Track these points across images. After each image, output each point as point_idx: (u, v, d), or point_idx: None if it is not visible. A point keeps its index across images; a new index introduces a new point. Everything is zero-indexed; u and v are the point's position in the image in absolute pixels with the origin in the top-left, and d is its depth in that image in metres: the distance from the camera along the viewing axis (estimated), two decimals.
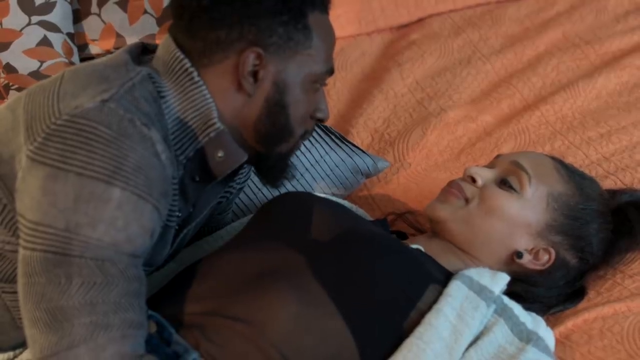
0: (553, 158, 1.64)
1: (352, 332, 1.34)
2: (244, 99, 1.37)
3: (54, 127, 1.25)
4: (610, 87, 2.15)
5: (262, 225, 1.55)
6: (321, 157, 1.89)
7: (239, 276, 1.41)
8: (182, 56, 1.35)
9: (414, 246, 1.52)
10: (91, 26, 2.14)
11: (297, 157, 1.85)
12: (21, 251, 1.25)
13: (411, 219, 1.79)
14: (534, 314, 1.47)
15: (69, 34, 2.08)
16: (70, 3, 2.09)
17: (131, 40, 2.13)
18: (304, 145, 1.87)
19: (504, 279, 1.46)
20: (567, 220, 1.55)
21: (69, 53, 2.06)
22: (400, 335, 1.38)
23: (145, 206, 1.25)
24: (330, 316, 1.34)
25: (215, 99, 1.36)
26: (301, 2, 1.36)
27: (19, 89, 2.03)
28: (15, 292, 1.33)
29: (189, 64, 1.35)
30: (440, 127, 2.05)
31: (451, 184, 1.59)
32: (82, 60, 2.11)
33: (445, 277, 1.46)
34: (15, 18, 2.01)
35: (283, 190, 1.74)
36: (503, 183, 1.56)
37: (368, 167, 1.91)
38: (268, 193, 1.84)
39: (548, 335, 1.45)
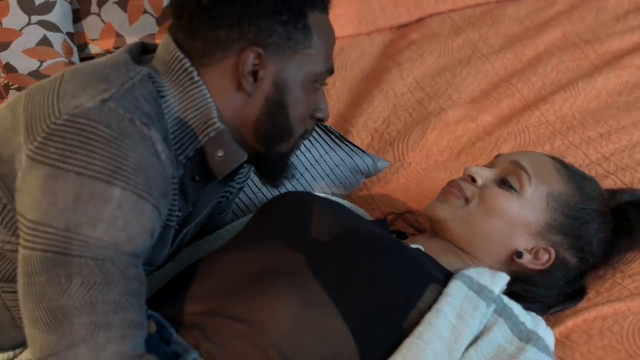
0: (553, 158, 1.64)
1: (352, 332, 1.34)
2: (244, 98, 1.37)
3: (54, 127, 1.25)
4: (610, 87, 2.15)
5: (262, 225, 1.55)
6: (321, 157, 1.89)
7: (239, 276, 1.41)
8: (182, 56, 1.35)
9: (414, 246, 1.52)
10: (91, 26, 2.14)
11: (297, 157, 1.85)
12: (21, 251, 1.25)
13: (411, 219, 1.79)
14: (534, 314, 1.47)
15: (69, 34, 2.08)
16: (70, 3, 2.09)
17: (131, 40, 2.13)
18: (304, 145, 1.87)
19: (504, 279, 1.46)
20: (567, 220, 1.55)
21: (69, 53, 2.06)
22: (400, 335, 1.38)
23: (146, 206, 1.25)
24: (330, 316, 1.34)
25: (215, 99, 1.36)
26: (301, 2, 1.36)
27: (19, 89, 2.03)
28: (15, 292, 1.33)
29: (189, 64, 1.35)
30: (440, 127, 2.05)
31: (451, 184, 1.59)
32: (82, 60, 2.11)
33: (445, 277, 1.46)
34: (15, 18, 2.01)
35: (283, 190, 1.74)
36: (503, 183, 1.56)
37: (368, 167, 1.91)
38: (268, 193, 1.84)
39: (548, 335, 1.45)
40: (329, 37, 1.41)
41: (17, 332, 1.40)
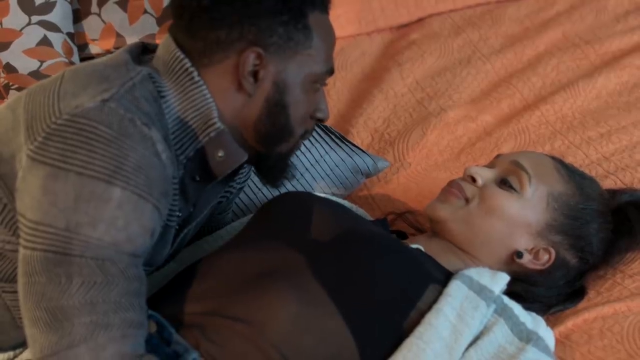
0: (553, 158, 1.64)
1: (352, 331, 1.34)
2: (244, 98, 1.37)
3: (55, 127, 1.25)
4: (610, 87, 2.15)
5: (262, 225, 1.55)
6: (321, 156, 1.89)
7: (238, 276, 1.41)
8: (182, 56, 1.35)
9: (414, 246, 1.52)
10: (91, 26, 2.14)
11: (297, 157, 1.85)
12: (21, 251, 1.25)
13: (411, 219, 1.79)
14: (534, 314, 1.47)
15: (69, 34, 2.08)
16: (70, 3, 2.09)
17: (131, 40, 2.13)
18: (304, 145, 1.87)
19: (503, 279, 1.46)
20: (567, 220, 1.55)
21: (69, 53, 2.06)
22: (400, 335, 1.38)
23: (146, 206, 1.25)
24: (330, 316, 1.34)
25: (215, 99, 1.36)
26: (301, 2, 1.36)
27: (19, 89, 2.03)
28: (15, 292, 1.33)
29: (189, 64, 1.35)
30: (440, 127, 2.05)
31: (451, 184, 1.59)
32: (82, 60, 2.11)
33: (445, 277, 1.46)
34: (15, 18, 2.01)
35: (283, 190, 1.74)
36: (503, 183, 1.56)
37: (368, 167, 1.91)
38: (268, 193, 1.84)
39: (548, 335, 1.45)
40: (329, 37, 1.41)
41: (17, 331, 1.40)
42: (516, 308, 1.45)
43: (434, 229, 1.60)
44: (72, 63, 2.06)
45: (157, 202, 1.27)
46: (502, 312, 1.44)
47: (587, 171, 1.73)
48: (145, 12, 2.14)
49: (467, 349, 1.40)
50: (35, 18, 2.02)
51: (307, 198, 1.60)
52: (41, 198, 1.23)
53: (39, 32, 2.03)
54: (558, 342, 1.50)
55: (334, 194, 1.87)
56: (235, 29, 1.34)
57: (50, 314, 1.22)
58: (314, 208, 1.54)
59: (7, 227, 1.32)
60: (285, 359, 1.32)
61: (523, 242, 1.54)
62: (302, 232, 1.49)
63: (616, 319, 1.53)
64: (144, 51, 1.44)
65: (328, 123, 1.96)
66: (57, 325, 1.22)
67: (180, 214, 1.40)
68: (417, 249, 1.51)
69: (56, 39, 2.04)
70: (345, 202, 1.78)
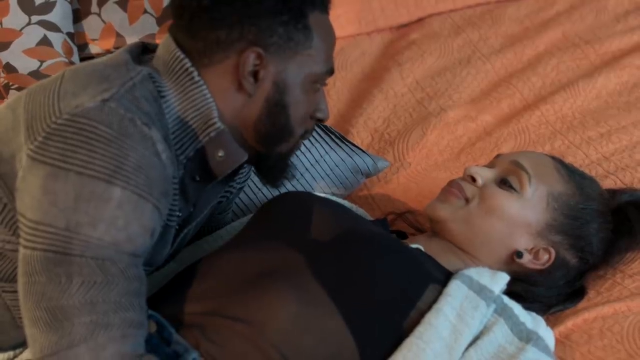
0: (553, 158, 1.64)
1: (351, 331, 1.34)
2: (244, 99, 1.37)
3: (55, 127, 1.25)
4: (610, 87, 2.15)
5: (262, 225, 1.55)
6: (321, 156, 1.89)
7: (238, 276, 1.41)
8: (182, 56, 1.35)
9: (414, 246, 1.52)
10: (91, 26, 2.14)
11: (297, 157, 1.85)
12: (21, 250, 1.25)
13: (411, 219, 1.79)
14: (533, 314, 1.47)
15: (69, 34, 2.08)
16: (70, 3, 2.09)
17: (131, 40, 2.13)
18: (304, 145, 1.87)
19: (503, 279, 1.46)
20: (567, 219, 1.55)
21: (68, 53, 2.06)
22: (400, 334, 1.38)
23: (146, 205, 1.25)
24: (330, 316, 1.34)
25: (215, 99, 1.36)
26: (301, 2, 1.36)
27: (18, 89, 2.03)
28: (15, 292, 1.33)
29: (189, 64, 1.35)
30: (440, 127, 2.05)
31: (451, 184, 1.59)
32: (82, 59, 2.11)
33: (445, 277, 1.46)
34: (15, 18, 2.01)
35: (283, 190, 1.74)
36: (503, 183, 1.56)
37: (368, 167, 1.91)
38: (268, 193, 1.84)
39: (548, 334, 1.45)
40: (329, 37, 1.41)
41: (17, 331, 1.40)
42: (516, 308, 1.45)
43: (434, 229, 1.60)
44: (72, 63, 2.06)
45: (157, 202, 1.27)
46: (502, 312, 1.44)
47: (587, 171, 1.73)
48: (145, 12, 2.14)
49: (467, 348, 1.40)
50: (35, 18, 2.02)
51: (307, 198, 1.60)
52: (41, 198, 1.23)
53: (39, 32, 2.03)
54: (558, 342, 1.50)
55: (334, 194, 1.87)
56: (236, 29, 1.34)
57: (50, 314, 1.22)
58: (314, 208, 1.54)
59: (7, 227, 1.32)
60: (285, 359, 1.32)
61: (523, 242, 1.54)
62: (302, 232, 1.49)
63: (616, 319, 1.53)
64: (144, 51, 1.44)
65: (328, 123, 1.96)
66: (57, 325, 1.22)
67: (180, 214, 1.40)
68: (417, 249, 1.51)
69: (56, 38, 2.04)
70: (345, 202, 1.78)
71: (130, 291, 1.25)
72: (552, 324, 1.52)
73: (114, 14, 2.13)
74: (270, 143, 1.42)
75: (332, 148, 1.90)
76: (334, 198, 1.76)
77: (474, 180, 1.58)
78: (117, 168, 1.23)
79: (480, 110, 2.10)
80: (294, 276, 1.38)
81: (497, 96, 2.14)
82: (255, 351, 1.32)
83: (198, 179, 1.40)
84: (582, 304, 1.58)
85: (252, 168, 1.56)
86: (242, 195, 1.83)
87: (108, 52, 2.14)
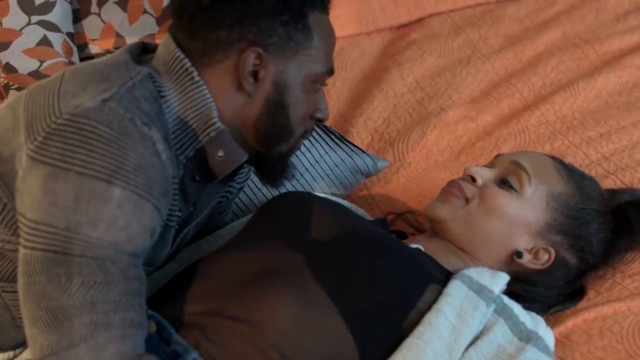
0: (553, 158, 1.64)
1: (351, 331, 1.34)
2: (244, 99, 1.37)
3: (55, 127, 1.25)
4: (610, 87, 2.15)
5: (261, 225, 1.55)
6: (321, 156, 1.89)
7: (238, 276, 1.41)
8: (182, 56, 1.35)
9: (414, 246, 1.52)
10: (91, 26, 2.14)
11: (297, 157, 1.85)
12: (21, 250, 1.25)
13: (411, 219, 1.79)
14: (533, 314, 1.47)
15: (68, 34, 2.08)
16: (70, 3, 2.09)
17: (131, 40, 2.13)
18: (304, 145, 1.87)
19: (503, 279, 1.46)
20: (567, 219, 1.55)
21: (68, 53, 2.06)
22: (400, 335, 1.38)
23: (146, 205, 1.25)
24: (330, 316, 1.34)
25: (215, 99, 1.36)
26: (301, 2, 1.36)
27: (18, 89, 2.03)
28: (15, 292, 1.33)
29: (189, 64, 1.35)
30: (440, 127, 2.05)
31: (451, 184, 1.59)
32: (81, 59, 2.11)
33: (445, 277, 1.46)
34: (15, 18, 2.01)
35: (283, 190, 1.74)
36: (503, 183, 1.56)
37: (368, 167, 1.91)
38: (268, 193, 1.84)
39: (548, 334, 1.45)
40: (329, 37, 1.41)
41: (17, 331, 1.40)
42: (516, 308, 1.45)
43: (433, 228, 1.60)
44: (71, 63, 2.06)
45: (157, 202, 1.27)
46: (502, 311, 1.44)
47: (587, 171, 1.73)
48: (145, 12, 2.14)
49: (467, 348, 1.40)
50: (35, 18, 2.02)
51: (307, 198, 1.60)
52: (41, 198, 1.23)
53: (38, 32, 2.03)
54: (558, 342, 1.50)
55: (334, 194, 1.87)
56: (236, 29, 1.34)
57: (50, 314, 1.22)
58: (313, 208, 1.54)
59: (7, 227, 1.32)
60: (285, 359, 1.32)
61: (523, 242, 1.54)
62: (302, 232, 1.49)
63: (616, 319, 1.53)
64: (143, 51, 1.44)
65: (328, 123, 1.96)
66: (57, 325, 1.22)
67: (180, 214, 1.40)
68: (417, 249, 1.51)
69: (56, 39, 2.04)
70: (345, 202, 1.78)
71: (130, 291, 1.25)
72: (552, 324, 1.52)
73: (113, 14, 2.13)
74: (270, 143, 1.42)
75: (332, 148, 1.90)
76: (333, 198, 1.76)
77: (474, 180, 1.58)
78: (117, 168, 1.23)
79: (480, 110, 2.10)
80: (294, 276, 1.38)
81: (497, 96, 2.14)
82: (255, 351, 1.32)
83: (198, 179, 1.40)
84: (582, 304, 1.58)
85: (252, 168, 1.56)
86: (242, 195, 1.83)
87: (108, 52, 2.14)
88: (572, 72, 2.21)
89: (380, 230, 1.57)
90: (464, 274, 1.45)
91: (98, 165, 1.23)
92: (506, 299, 1.46)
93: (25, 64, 2.03)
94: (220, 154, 1.37)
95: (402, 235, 1.70)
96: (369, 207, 1.88)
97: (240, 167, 1.45)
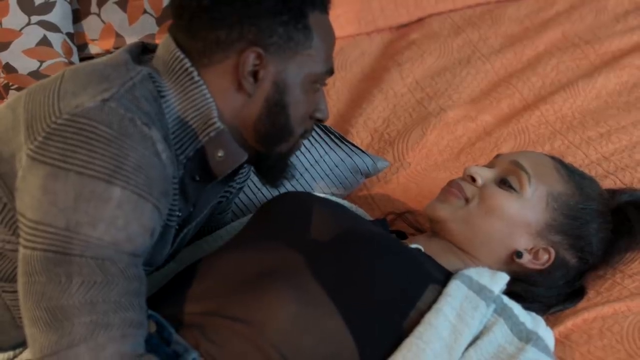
0: (553, 158, 1.64)
1: (351, 332, 1.34)
2: (244, 98, 1.37)
3: (55, 126, 1.25)
4: (610, 87, 2.15)
5: (261, 225, 1.55)
6: (321, 156, 1.89)
7: (238, 276, 1.41)
8: (182, 56, 1.35)
9: (414, 246, 1.52)
10: (91, 26, 2.14)
11: (297, 157, 1.85)
12: (21, 250, 1.25)
13: (411, 219, 1.79)
14: (533, 314, 1.47)
15: (68, 34, 2.08)
16: (70, 3, 2.09)
17: (131, 40, 2.13)
18: (304, 145, 1.87)
19: (503, 279, 1.46)
20: (566, 219, 1.55)
21: (68, 53, 2.06)
22: (399, 335, 1.38)
23: (146, 205, 1.25)
24: (330, 316, 1.34)
25: (215, 99, 1.36)
26: (301, 2, 1.36)
27: (18, 89, 2.03)
28: (15, 292, 1.33)
29: (189, 64, 1.35)
30: (440, 127, 2.05)
31: (451, 184, 1.59)
32: (81, 60, 2.11)
33: (444, 277, 1.46)
34: (15, 18, 2.01)
35: (283, 190, 1.74)
36: (503, 183, 1.56)
37: (367, 167, 1.91)
38: (268, 193, 1.84)
39: (548, 334, 1.45)
40: (329, 37, 1.41)
41: (17, 331, 1.40)
42: (516, 308, 1.45)
43: (433, 229, 1.60)
44: (71, 63, 2.06)
45: (157, 202, 1.27)
46: (502, 312, 1.44)
47: (587, 171, 1.73)
48: (145, 12, 2.14)
49: (466, 348, 1.40)
50: (35, 18, 2.02)
51: (306, 198, 1.60)
52: (41, 197, 1.23)
53: (38, 32, 2.03)
54: (558, 342, 1.50)
55: (333, 194, 1.87)
56: (235, 29, 1.34)
57: (50, 314, 1.22)
58: (313, 208, 1.54)
59: (7, 227, 1.32)
60: (284, 359, 1.32)
61: (523, 242, 1.54)
62: (302, 232, 1.49)
63: (616, 319, 1.53)
64: (143, 51, 1.44)
65: (328, 123, 1.96)
66: (57, 325, 1.22)
67: (180, 214, 1.40)
68: (417, 249, 1.51)
69: (56, 39, 2.04)
70: (345, 202, 1.78)
71: (130, 291, 1.25)
72: (552, 324, 1.52)
73: (113, 14, 2.13)
74: (270, 143, 1.42)
75: (331, 148, 1.90)
76: (333, 198, 1.76)
77: (473, 180, 1.58)
78: (117, 168, 1.23)
79: (480, 110, 2.10)
80: (294, 276, 1.38)
81: (496, 96, 2.14)
82: (254, 351, 1.32)
83: (198, 178, 1.40)
84: (582, 304, 1.58)
85: (252, 168, 1.56)
86: (242, 195, 1.83)
87: (108, 52, 2.14)
88: (572, 72, 2.21)
89: (380, 230, 1.57)
90: (463, 274, 1.45)
91: (98, 165, 1.23)
92: (506, 299, 1.46)
93: (25, 64, 2.03)
94: (220, 154, 1.37)
95: (402, 235, 1.70)
96: (369, 207, 1.88)
97: (240, 167, 1.45)
